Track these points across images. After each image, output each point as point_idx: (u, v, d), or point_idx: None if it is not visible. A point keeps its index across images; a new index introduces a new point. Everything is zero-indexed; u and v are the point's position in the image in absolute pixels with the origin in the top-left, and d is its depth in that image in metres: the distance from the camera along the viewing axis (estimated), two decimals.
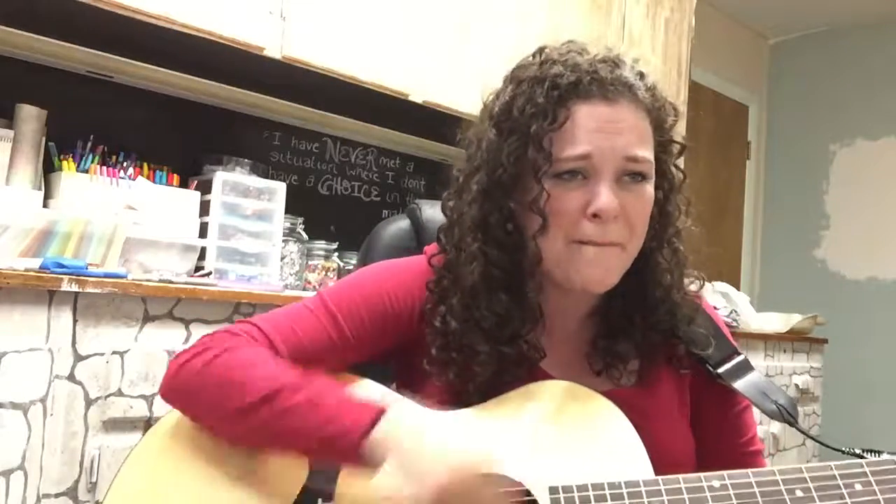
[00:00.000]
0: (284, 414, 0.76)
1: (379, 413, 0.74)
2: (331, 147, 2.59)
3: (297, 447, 0.78)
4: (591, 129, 0.81)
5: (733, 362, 0.94)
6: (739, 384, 0.92)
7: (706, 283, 0.96)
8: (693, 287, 0.94)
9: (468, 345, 0.85)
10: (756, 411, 0.96)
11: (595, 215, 0.81)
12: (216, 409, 0.79)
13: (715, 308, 1.03)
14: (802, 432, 0.98)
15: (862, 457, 0.85)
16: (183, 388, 0.82)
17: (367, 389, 0.85)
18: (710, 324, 0.96)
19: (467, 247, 0.86)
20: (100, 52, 2.00)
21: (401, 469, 0.71)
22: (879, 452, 0.87)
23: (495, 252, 0.85)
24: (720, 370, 0.92)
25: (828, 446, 1.02)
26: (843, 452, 0.91)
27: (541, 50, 0.88)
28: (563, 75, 0.82)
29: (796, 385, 3.24)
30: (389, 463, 0.72)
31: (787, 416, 0.92)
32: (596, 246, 0.82)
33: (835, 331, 3.57)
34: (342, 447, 0.73)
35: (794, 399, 0.95)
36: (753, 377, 0.94)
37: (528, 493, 0.78)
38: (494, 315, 0.85)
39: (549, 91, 0.82)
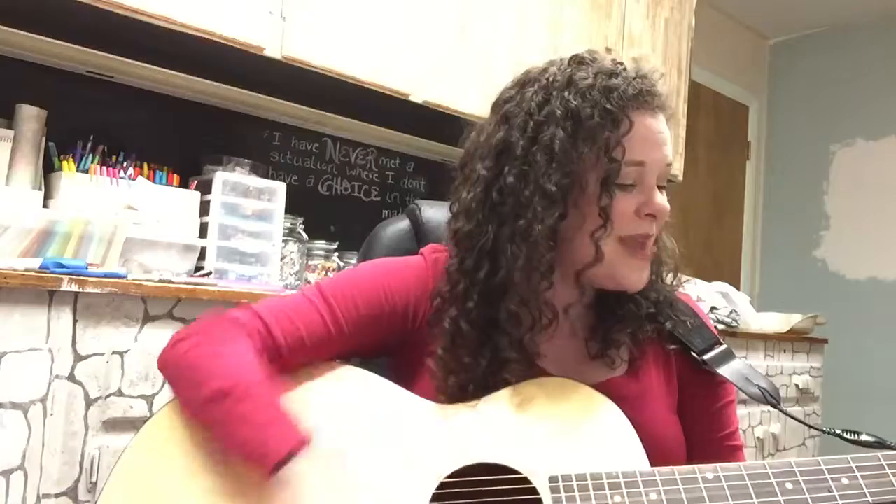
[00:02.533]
0: (226, 417, 0.77)
1: (292, 449, 0.75)
2: (331, 147, 2.59)
3: (228, 449, 0.79)
4: (646, 139, 0.87)
5: (717, 350, 0.97)
6: (723, 370, 0.95)
7: (690, 280, 0.99)
8: (672, 281, 0.98)
9: (477, 346, 0.87)
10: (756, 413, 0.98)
11: (652, 215, 0.88)
12: (187, 394, 0.83)
13: (701, 300, 1.05)
14: (785, 413, 1.01)
15: (841, 437, 0.92)
16: (169, 366, 0.86)
17: (350, 376, 0.89)
18: (693, 315, 0.99)
19: (511, 245, 0.86)
20: (100, 52, 2.00)
21: None
22: (858, 433, 0.92)
23: (541, 252, 0.86)
24: (705, 357, 0.96)
25: (805, 423, 1.06)
26: (824, 432, 0.96)
27: (580, 59, 0.91)
28: (623, 87, 0.87)
29: (796, 385, 3.24)
30: None
31: (769, 398, 0.96)
32: (642, 248, 0.89)
33: (835, 331, 3.56)
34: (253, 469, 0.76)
35: (776, 387, 0.98)
36: (736, 364, 0.98)
37: (527, 482, 0.79)
38: (512, 316, 0.87)
39: (616, 101, 0.86)
